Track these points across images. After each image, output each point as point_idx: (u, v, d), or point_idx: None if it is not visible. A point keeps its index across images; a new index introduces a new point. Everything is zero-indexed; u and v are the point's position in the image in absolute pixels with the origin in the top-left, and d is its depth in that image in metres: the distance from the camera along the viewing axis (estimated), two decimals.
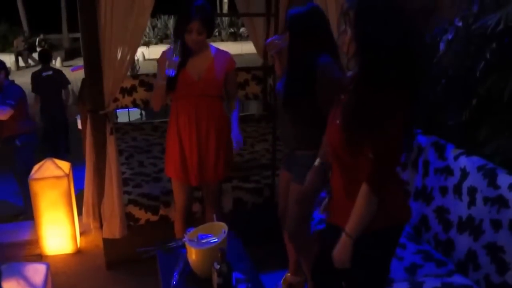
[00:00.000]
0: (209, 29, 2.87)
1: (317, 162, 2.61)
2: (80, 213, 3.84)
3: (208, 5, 2.84)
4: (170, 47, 2.87)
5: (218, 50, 3.03)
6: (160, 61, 2.93)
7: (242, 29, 19.86)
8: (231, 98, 3.13)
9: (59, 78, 5.85)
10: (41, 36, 17.55)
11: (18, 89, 4.47)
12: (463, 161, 2.64)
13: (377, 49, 1.75)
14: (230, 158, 3.18)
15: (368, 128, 1.80)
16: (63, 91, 5.89)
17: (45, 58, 5.90)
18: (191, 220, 3.22)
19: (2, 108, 4.16)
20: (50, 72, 5.75)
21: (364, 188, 1.88)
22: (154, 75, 4.92)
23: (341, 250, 1.99)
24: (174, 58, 2.74)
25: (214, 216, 2.73)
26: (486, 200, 2.44)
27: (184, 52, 2.84)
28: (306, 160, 2.71)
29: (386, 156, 1.83)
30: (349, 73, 2.04)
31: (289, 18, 2.64)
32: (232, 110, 3.12)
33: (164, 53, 2.97)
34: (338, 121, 1.95)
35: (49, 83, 5.70)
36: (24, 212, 4.50)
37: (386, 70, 1.76)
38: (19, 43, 16.53)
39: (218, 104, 3.02)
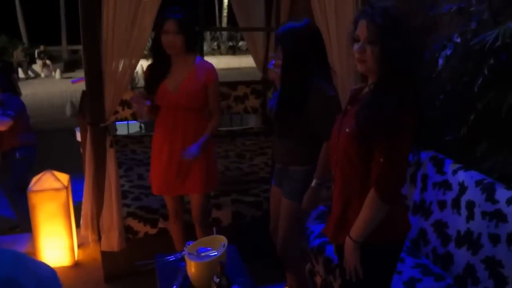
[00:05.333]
0: (187, 34, 2.84)
1: (314, 183, 2.62)
2: (78, 225, 3.83)
3: (185, 11, 2.87)
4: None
5: (201, 61, 3.02)
6: (146, 76, 3.02)
7: (241, 43, 19.98)
8: (211, 112, 3.05)
9: None
10: (41, 47, 17.62)
11: (18, 101, 4.47)
12: (462, 175, 2.65)
13: (400, 61, 1.81)
14: (213, 172, 3.13)
15: (382, 130, 1.83)
16: None
17: None
18: (190, 234, 3.21)
19: (2, 119, 4.16)
20: None
21: (371, 193, 1.90)
22: None
23: (348, 258, 2.00)
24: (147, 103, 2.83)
25: (214, 229, 2.73)
26: (484, 214, 2.45)
27: (165, 64, 2.90)
28: (298, 175, 2.72)
29: (397, 160, 1.85)
30: (354, 87, 2.11)
31: (281, 34, 2.57)
32: (207, 125, 3.02)
33: (148, 68, 3.02)
34: (347, 130, 1.97)
35: None
36: (19, 225, 4.48)
37: (405, 80, 1.84)
38: (19, 53, 16.61)
39: (195, 117, 2.98)
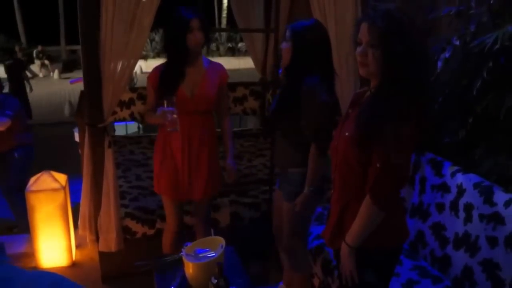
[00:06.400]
0: (205, 31, 2.83)
1: (306, 189, 2.61)
2: (76, 226, 3.82)
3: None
4: (161, 65, 2.90)
5: (210, 62, 2.99)
6: (151, 78, 2.91)
7: (240, 44, 19.98)
8: (223, 114, 3.07)
9: None
10: (40, 48, 17.59)
11: (15, 101, 4.47)
12: (460, 178, 2.65)
13: (402, 65, 1.79)
14: (220, 174, 3.13)
15: (381, 134, 1.80)
16: None
17: None
18: (187, 235, 3.21)
19: (0, 119, 4.15)
20: None
21: (366, 199, 1.89)
22: None
23: (344, 262, 1.99)
24: (171, 111, 2.70)
25: (212, 230, 2.73)
26: (482, 217, 2.45)
27: (179, 68, 2.84)
28: (295, 178, 2.71)
29: (393, 166, 1.82)
30: (357, 91, 2.10)
31: (294, 29, 2.56)
32: (226, 130, 3.05)
33: (155, 69, 2.94)
34: (347, 133, 1.95)
35: None
36: (17, 226, 4.48)
37: (408, 85, 1.81)
38: (17, 53, 16.57)
39: (210, 120, 2.97)
